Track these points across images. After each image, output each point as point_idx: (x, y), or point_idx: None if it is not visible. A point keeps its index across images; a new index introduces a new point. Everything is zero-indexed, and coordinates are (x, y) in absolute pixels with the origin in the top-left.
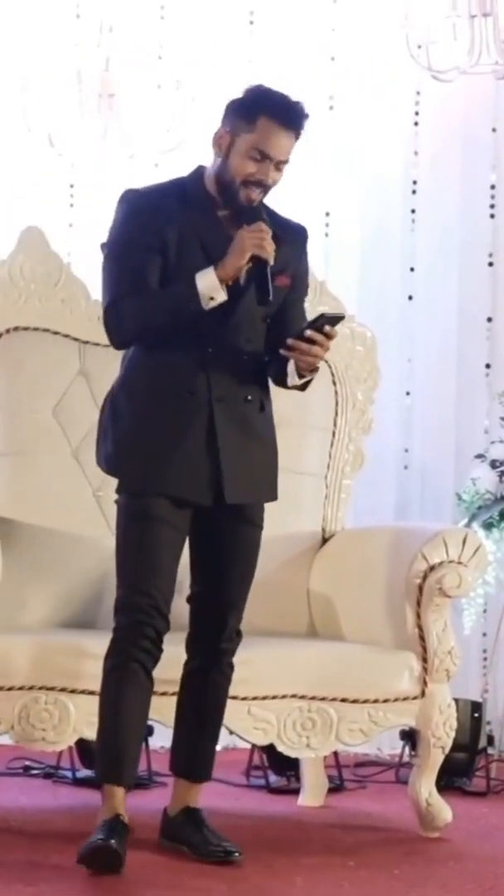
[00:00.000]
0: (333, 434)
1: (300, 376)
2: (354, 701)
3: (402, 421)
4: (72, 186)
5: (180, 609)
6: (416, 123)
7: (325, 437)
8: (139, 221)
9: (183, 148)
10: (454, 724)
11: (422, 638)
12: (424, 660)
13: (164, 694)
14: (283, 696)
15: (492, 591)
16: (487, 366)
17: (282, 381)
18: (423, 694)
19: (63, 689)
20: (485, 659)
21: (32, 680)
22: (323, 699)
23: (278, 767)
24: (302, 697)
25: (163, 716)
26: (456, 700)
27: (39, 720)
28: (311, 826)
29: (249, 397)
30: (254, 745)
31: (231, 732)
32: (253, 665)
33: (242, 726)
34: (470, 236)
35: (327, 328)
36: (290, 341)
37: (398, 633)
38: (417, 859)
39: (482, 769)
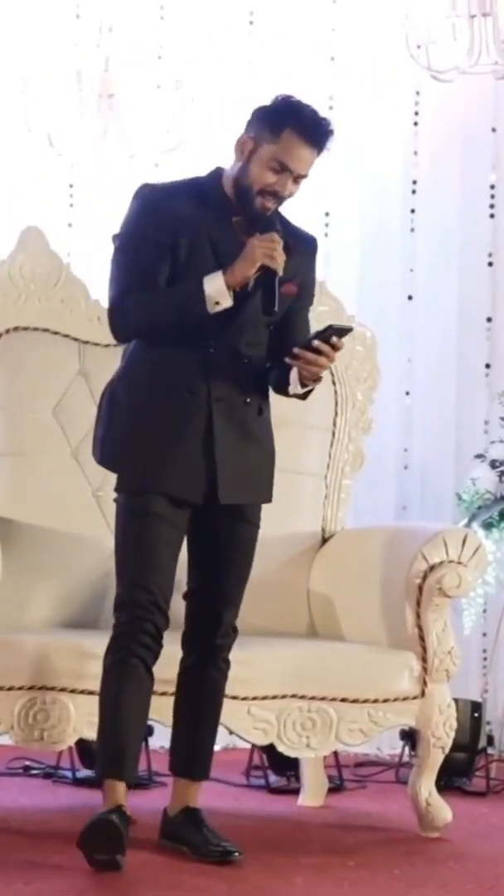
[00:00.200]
0: (333, 434)
1: (302, 385)
2: (354, 701)
3: (401, 421)
4: (71, 186)
5: (178, 607)
6: (415, 123)
7: (324, 437)
8: (152, 217)
9: (183, 148)
10: (454, 724)
11: (422, 638)
12: (424, 660)
13: (163, 694)
14: (283, 696)
15: (492, 591)
16: (487, 366)
17: (282, 389)
18: (422, 694)
19: (63, 689)
20: (485, 659)
21: (32, 680)
22: (323, 699)
23: (278, 767)
24: (302, 697)
25: (162, 715)
26: (456, 700)
27: (39, 720)
28: (311, 826)
29: (248, 400)
30: (254, 745)
31: (231, 732)
32: (253, 665)
33: (242, 726)
34: (470, 236)
35: (334, 339)
36: (296, 350)
37: (398, 633)
38: (417, 859)
39: (482, 769)
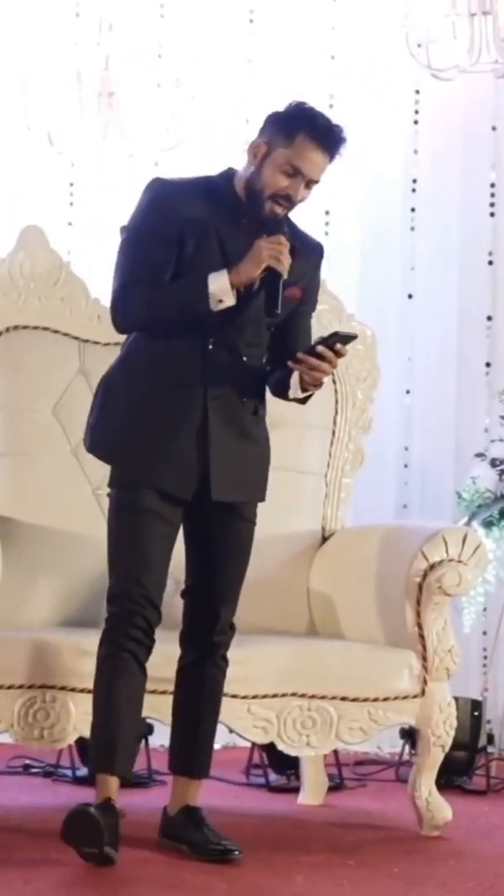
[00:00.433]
0: (333, 433)
1: (303, 390)
2: (354, 699)
3: (402, 420)
4: (71, 185)
5: (177, 606)
6: (415, 122)
7: (325, 436)
8: (161, 212)
9: (183, 147)
10: (454, 722)
11: (422, 636)
12: (424, 658)
13: (163, 692)
14: (283, 695)
15: (492, 590)
16: (487, 364)
17: (282, 393)
18: (423, 692)
19: (63, 688)
20: (485, 657)
21: (32, 679)
22: (323, 698)
23: (278, 766)
24: (302, 696)
25: (161, 714)
26: (456, 699)
27: (39, 719)
28: (311, 825)
29: (245, 399)
30: (254, 744)
31: (231, 731)
32: (253, 663)
33: (242, 725)
34: (470, 235)
35: (338, 346)
36: (299, 355)
37: (398, 632)
38: (417, 858)
39: (482, 768)
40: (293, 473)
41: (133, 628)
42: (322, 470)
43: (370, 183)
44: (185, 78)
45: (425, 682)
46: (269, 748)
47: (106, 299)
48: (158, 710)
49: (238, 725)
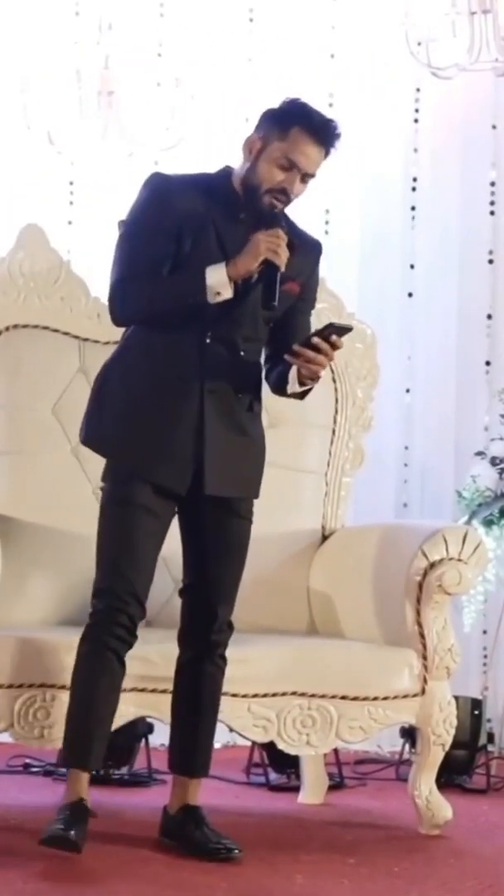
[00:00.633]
0: (333, 432)
1: (301, 384)
2: (354, 698)
3: (401, 418)
4: (71, 184)
5: (177, 604)
6: (415, 120)
7: (324, 435)
8: (160, 206)
9: (182, 145)
10: (454, 721)
11: (422, 635)
12: (424, 657)
13: (163, 691)
14: (283, 694)
15: (492, 589)
16: (487, 363)
17: (281, 389)
18: (423, 691)
19: (63, 687)
20: (485, 656)
21: (32, 678)
22: (323, 696)
23: (278, 765)
24: (302, 695)
25: (161, 713)
26: (456, 697)
27: (39, 718)
28: (312, 823)
29: (240, 395)
30: (254, 743)
31: (231, 730)
32: (253, 663)
33: (242, 724)
34: (470, 233)
35: (334, 338)
36: (296, 347)
37: (398, 631)
38: (417, 857)
39: (482, 766)
40: (293, 472)
41: (117, 626)
42: (322, 469)
43: (370, 182)
44: (184, 77)
45: (425, 680)
46: (270, 747)
47: (106, 298)
48: (158, 709)
49: (238, 724)
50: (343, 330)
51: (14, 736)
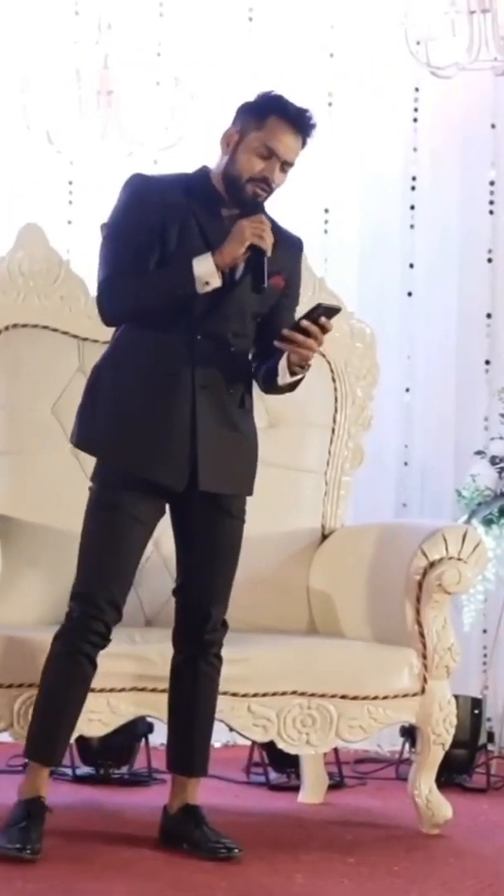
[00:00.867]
0: (333, 431)
1: (292, 373)
2: (354, 698)
3: (401, 418)
4: (71, 184)
5: (170, 604)
6: (415, 120)
7: (324, 434)
8: (142, 204)
9: (182, 145)
10: (454, 720)
11: (421, 634)
12: (424, 656)
13: (163, 691)
14: (283, 693)
15: (491, 588)
16: (487, 362)
17: (270, 384)
18: (422, 690)
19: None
20: (485, 655)
21: (32, 677)
22: (323, 696)
23: (278, 764)
24: (302, 694)
25: (161, 712)
26: (456, 697)
27: None
28: (311, 823)
29: (231, 390)
30: (254, 742)
31: (231, 729)
32: (253, 662)
33: (242, 723)
34: (469, 233)
35: (323, 320)
36: (285, 332)
37: (398, 630)
38: (417, 856)
39: (482, 766)
40: (293, 471)
41: (92, 633)
42: (322, 468)
43: (370, 181)
44: (184, 76)
45: (425, 680)
46: (270, 746)
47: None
48: (157, 709)
49: (238, 724)
50: (332, 311)
51: (14, 735)
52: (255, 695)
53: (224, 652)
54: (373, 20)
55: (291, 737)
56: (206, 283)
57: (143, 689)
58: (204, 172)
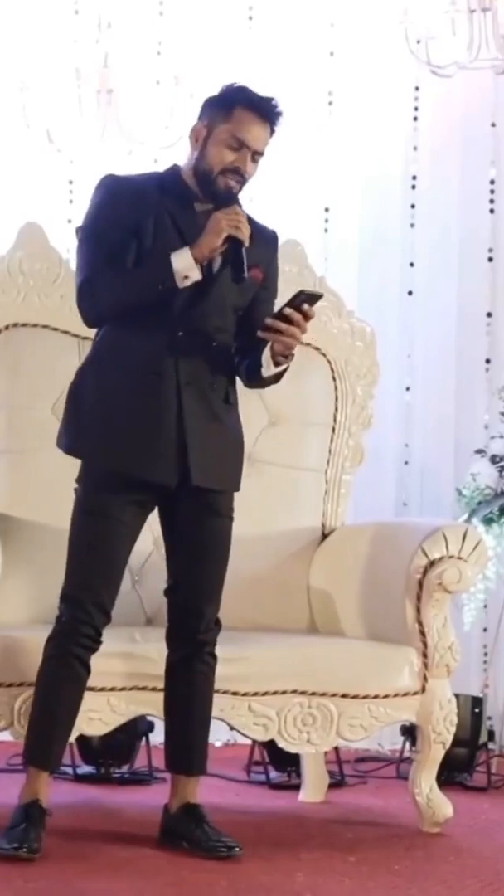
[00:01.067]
0: (333, 430)
1: (276, 364)
2: (355, 696)
3: (401, 416)
4: (71, 182)
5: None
6: (415, 119)
7: (324, 433)
8: (116, 205)
9: (182, 144)
10: (455, 719)
11: (422, 633)
12: (425, 655)
13: (163, 690)
14: (284, 692)
15: (492, 587)
16: (487, 361)
17: (254, 377)
18: (423, 689)
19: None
20: (485, 654)
21: (31, 676)
22: (323, 695)
23: (279, 763)
24: (302, 693)
25: (161, 711)
26: (456, 695)
27: None
28: (312, 822)
29: (215, 386)
30: (254, 741)
31: (232, 728)
32: (253, 661)
33: (243, 722)
34: (469, 231)
35: (305, 307)
36: (268, 321)
37: (398, 629)
38: (418, 855)
39: (483, 764)
40: (293, 470)
41: (82, 637)
42: (322, 467)
43: (370, 180)
44: (184, 75)
45: (426, 678)
46: (270, 745)
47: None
48: (158, 708)
49: (239, 723)
50: (314, 297)
51: (14, 734)
52: (255, 694)
53: (225, 651)
54: (373, 19)
55: (292, 736)
56: (186, 276)
57: (143, 688)
58: (175, 170)
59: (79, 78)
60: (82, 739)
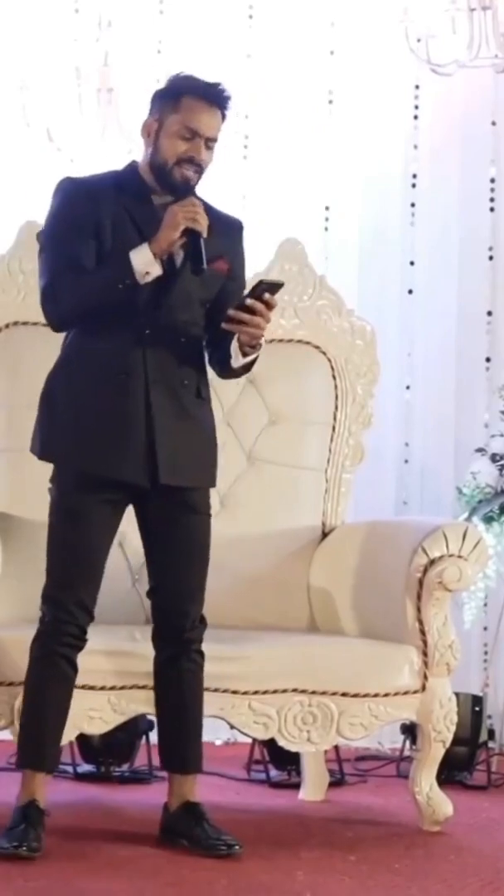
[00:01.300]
0: (333, 428)
1: (243, 354)
2: (355, 695)
3: (401, 415)
4: None
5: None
6: (415, 117)
7: (324, 432)
8: (74, 207)
9: None
10: (455, 718)
11: (422, 632)
12: (425, 654)
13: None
14: (284, 691)
15: (492, 585)
16: (487, 359)
17: (226, 369)
18: (423, 688)
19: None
20: (485, 653)
21: None
22: (323, 693)
23: (279, 762)
24: (303, 692)
25: None
26: (456, 694)
27: None
28: (312, 820)
29: (186, 381)
30: (255, 740)
31: (232, 727)
32: (253, 660)
33: (243, 721)
34: (469, 230)
35: (267, 296)
36: (231, 312)
37: (398, 628)
38: (418, 853)
39: (483, 763)
40: (293, 469)
41: (66, 636)
42: (322, 466)
43: (370, 178)
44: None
45: (426, 677)
46: (270, 744)
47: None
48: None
49: (239, 721)
50: (275, 286)
51: (14, 733)
52: (255, 692)
53: (225, 649)
54: (373, 18)
55: (292, 734)
56: (147, 273)
57: (143, 687)
58: (133, 166)
59: (79, 77)
60: (82, 738)
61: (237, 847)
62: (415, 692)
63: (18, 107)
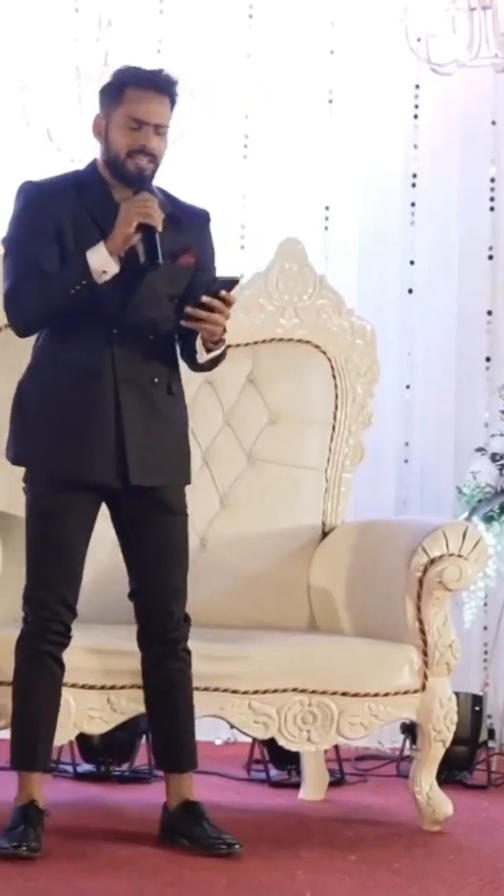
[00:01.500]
0: (333, 428)
1: (207, 350)
2: (355, 695)
3: (401, 415)
4: None
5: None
6: (415, 117)
7: (324, 431)
8: (35, 211)
9: (182, 142)
10: (455, 717)
11: (422, 631)
12: (425, 653)
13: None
14: (284, 690)
15: (492, 585)
16: (487, 359)
17: (195, 363)
18: (423, 687)
19: (63, 684)
20: (485, 652)
21: None
22: (323, 693)
23: (279, 761)
24: (303, 691)
25: None
26: (456, 693)
27: None
28: (312, 820)
29: (156, 379)
30: (255, 739)
31: (232, 727)
32: (253, 659)
33: (243, 720)
34: (469, 230)
35: (223, 293)
36: (188, 310)
37: (398, 627)
38: (418, 853)
39: (483, 763)
40: (293, 468)
41: (51, 633)
42: (322, 465)
43: (370, 178)
44: (184, 73)
45: (426, 677)
46: (270, 743)
47: None
48: None
49: (239, 721)
50: (230, 283)
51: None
52: (255, 692)
53: (225, 649)
54: (373, 17)
55: (292, 734)
56: (104, 272)
57: (143, 687)
58: (93, 166)
59: (79, 76)
60: (82, 738)
61: (237, 846)
62: (415, 692)
63: (18, 107)
